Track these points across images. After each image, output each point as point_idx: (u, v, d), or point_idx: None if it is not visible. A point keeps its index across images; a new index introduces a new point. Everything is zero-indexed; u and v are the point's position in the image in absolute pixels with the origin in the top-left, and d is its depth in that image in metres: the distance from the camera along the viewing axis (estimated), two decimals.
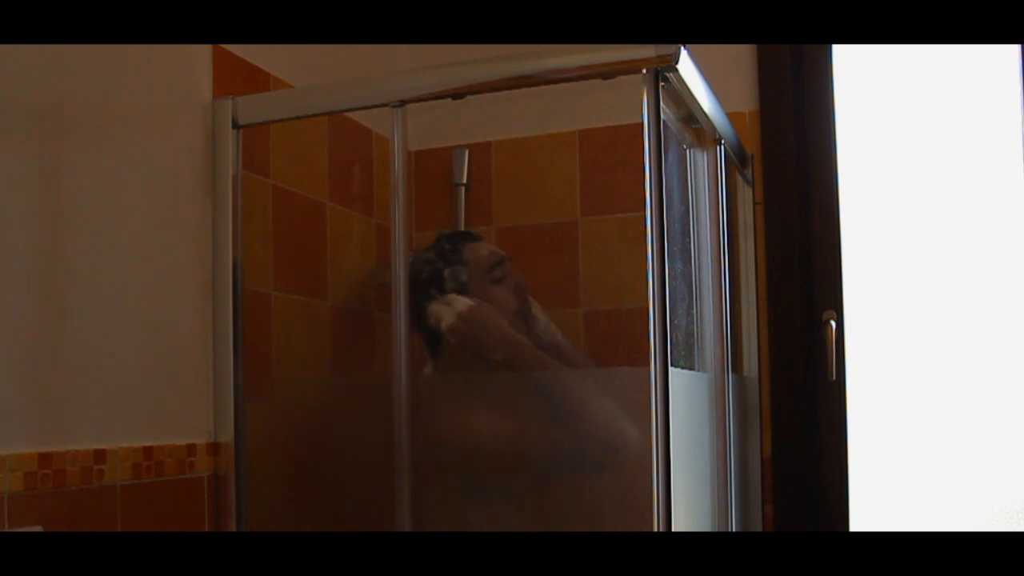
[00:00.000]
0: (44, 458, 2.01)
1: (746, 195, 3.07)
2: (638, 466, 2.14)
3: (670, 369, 2.11)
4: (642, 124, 2.15)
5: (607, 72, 2.24)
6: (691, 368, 2.59)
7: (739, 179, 3.01)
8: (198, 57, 2.53)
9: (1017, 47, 2.95)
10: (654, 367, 2.11)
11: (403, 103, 2.40)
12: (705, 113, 2.47)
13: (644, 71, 2.15)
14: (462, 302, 2.61)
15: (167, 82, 2.42)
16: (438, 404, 2.54)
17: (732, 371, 2.68)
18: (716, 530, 2.55)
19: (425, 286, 2.72)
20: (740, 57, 3.11)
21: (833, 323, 3.00)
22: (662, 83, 2.15)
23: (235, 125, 2.53)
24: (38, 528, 1.96)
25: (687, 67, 2.20)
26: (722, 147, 2.65)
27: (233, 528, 2.46)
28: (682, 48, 2.13)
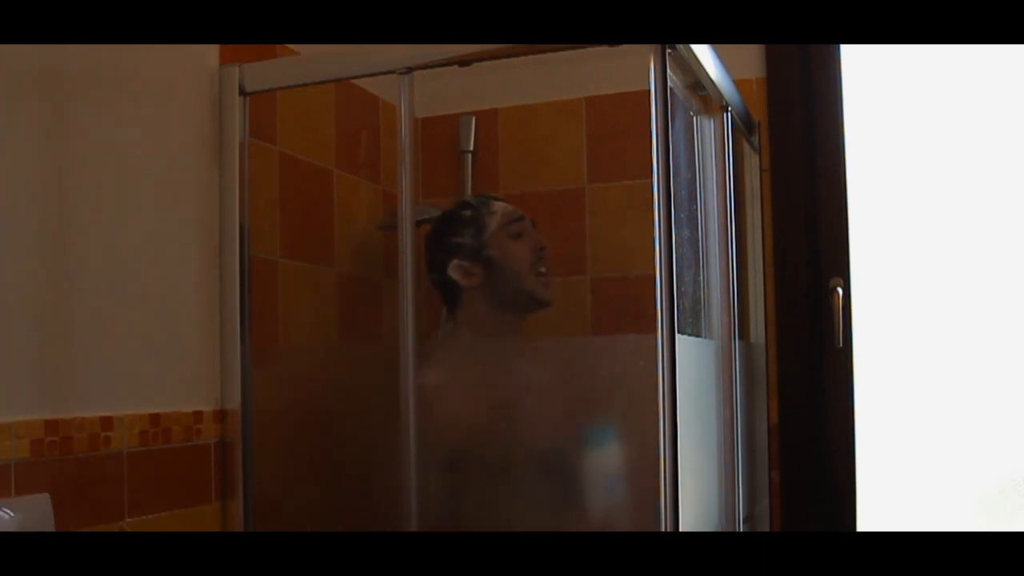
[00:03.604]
0: (51, 425, 2.01)
1: (753, 162, 3.06)
2: (646, 433, 2.14)
3: (677, 336, 2.11)
4: (649, 91, 2.14)
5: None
6: (698, 335, 2.59)
7: (746, 146, 3.00)
8: None
9: None
10: (661, 334, 2.11)
11: (410, 70, 2.40)
12: (712, 80, 2.46)
13: None
14: None
15: (174, 49, 2.41)
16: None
17: (739, 338, 2.67)
18: (723, 496, 2.55)
19: (448, 241, 2.80)
20: None
21: (840, 290, 3.00)
22: (669, 50, 2.14)
23: (242, 92, 2.53)
24: (45, 495, 1.97)
25: None
26: (729, 114, 2.65)
27: (240, 494, 2.47)
28: None
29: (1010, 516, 2.96)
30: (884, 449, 3.06)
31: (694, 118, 2.65)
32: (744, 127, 2.90)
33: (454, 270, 2.77)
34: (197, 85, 2.50)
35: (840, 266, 3.06)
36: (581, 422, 2.51)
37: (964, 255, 3.03)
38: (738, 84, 2.78)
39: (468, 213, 2.81)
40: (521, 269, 2.76)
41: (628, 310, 3.10)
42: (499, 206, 2.81)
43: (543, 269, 2.77)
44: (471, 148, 3.40)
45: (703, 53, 2.35)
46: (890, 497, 3.06)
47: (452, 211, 2.86)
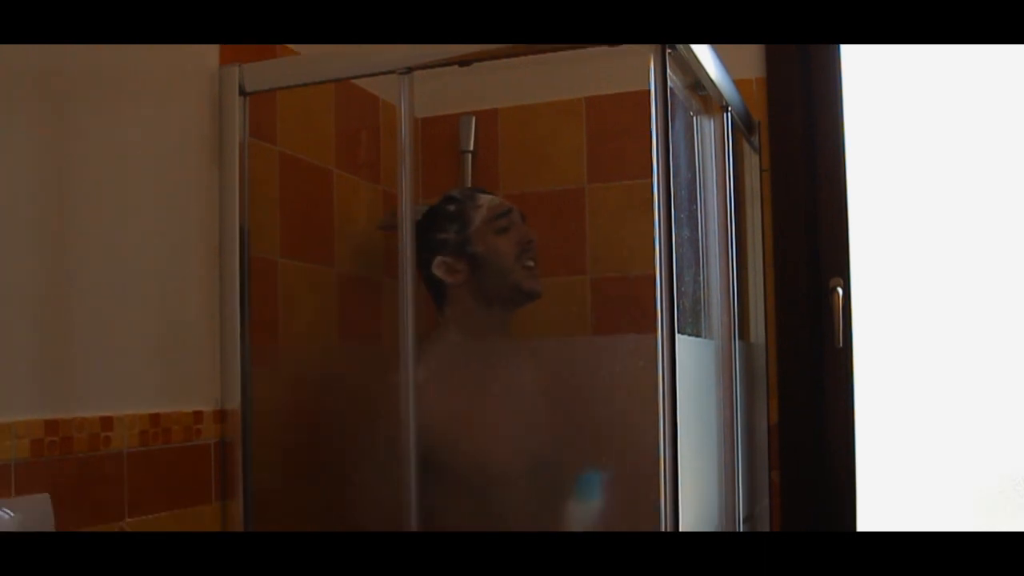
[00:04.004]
0: (51, 425, 2.01)
1: (753, 162, 3.06)
2: (646, 434, 2.14)
3: (677, 336, 2.11)
4: (649, 91, 2.14)
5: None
6: (698, 335, 2.59)
7: (746, 146, 3.00)
8: None
9: None
10: (661, 334, 2.10)
11: (410, 70, 2.40)
12: (712, 80, 2.46)
13: None
14: None
15: (174, 49, 2.41)
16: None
17: (739, 338, 2.67)
18: (723, 496, 2.55)
19: (433, 237, 2.77)
20: None
21: (840, 290, 3.00)
22: (669, 50, 2.14)
23: (242, 92, 2.53)
24: (45, 495, 1.97)
25: None
26: (729, 114, 2.65)
27: (240, 494, 2.47)
28: None
29: (1010, 516, 2.96)
30: (884, 449, 3.06)
31: (694, 118, 2.65)
32: (744, 127, 2.90)
33: (438, 267, 2.75)
34: (197, 85, 2.50)
35: (840, 266, 3.06)
36: (581, 424, 2.51)
37: (964, 255, 3.03)
38: (738, 84, 2.78)
39: (452, 208, 2.79)
40: (507, 264, 2.74)
41: (628, 310, 3.10)
42: (485, 199, 2.80)
43: (530, 262, 2.76)
44: (471, 148, 3.40)
45: (703, 53, 2.35)
46: (890, 497, 3.06)
47: (437, 206, 2.83)
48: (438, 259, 2.74)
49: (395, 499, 2.35)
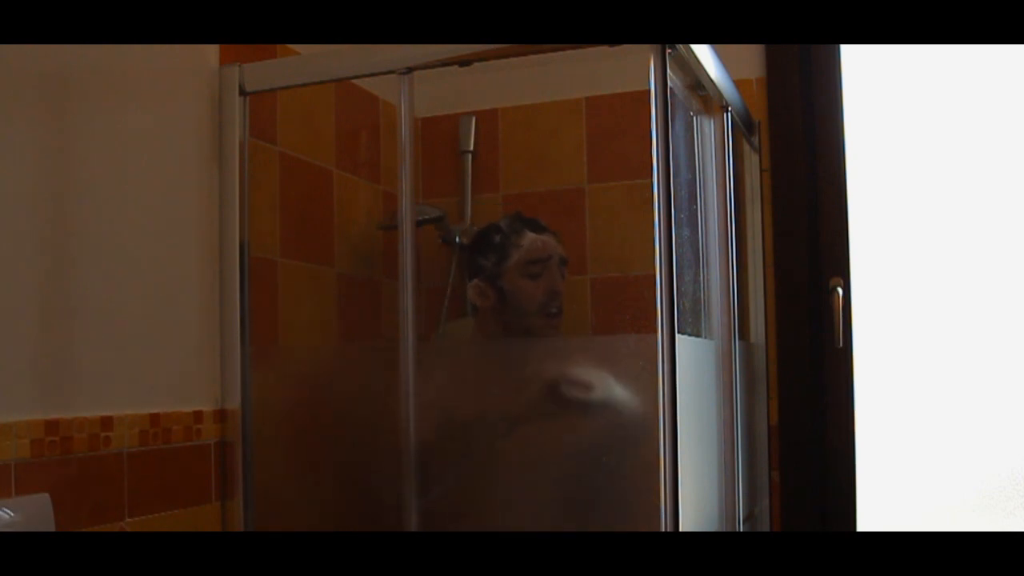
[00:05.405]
0: (51, 425, 2.01)
1: (753, 162, 3.06)
2: (645, 433, 2.14)
3: (677, 336, 2.11)
4: (649, 91, 2.14)
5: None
6: (698, 335, 2.59)
7: (746, 146, 3.00)
8: None
9: None
10: (661, 334, 2.11)
11: (410, 70, 2.40)
12: (712, 80, 2.46)
13: None
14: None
15: (174, 49, 2.41)
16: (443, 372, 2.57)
17: (739, 338, 2.67)
18: (723, 496, 2.55)
19: (476, 260, 2.90)
20: None
21: (840, 290, 3.00)
22: (669, 50, 2.14)
23: (242, 92, 2.53)
24: (45, 495, 1.97)
25: None
26: (729, 114, 2.65)
27: (240, 494, 2.47)
28: None
29: (1010, 516, 2.96)
30: (884, 449, 3.06)
31: (694, 118, 2.65)
32: (744, 127, 2.90)
33: (471, 289, 2.87)
34: (197, 85, 2.50)
35: (840, 266, 3.06)
36: (581, 425, 2.51)
37: (964, 255, 3.03)
38: (738, 84, 2.78)
39: (497, 239, 2.86)
40: (529, 307, 2.82)
41: (628, 310, 3.10)
42: (528, 239, 2.85)
43: (554, 310, 2.83)
44: (471, 148, 3.40)
45: (703, 53, 2.35)
46: (890, 497, 3.06)
47: (485, 230, 2.93)
48: (474, 281, 2.86)
49: (395, 499, 2.35)
